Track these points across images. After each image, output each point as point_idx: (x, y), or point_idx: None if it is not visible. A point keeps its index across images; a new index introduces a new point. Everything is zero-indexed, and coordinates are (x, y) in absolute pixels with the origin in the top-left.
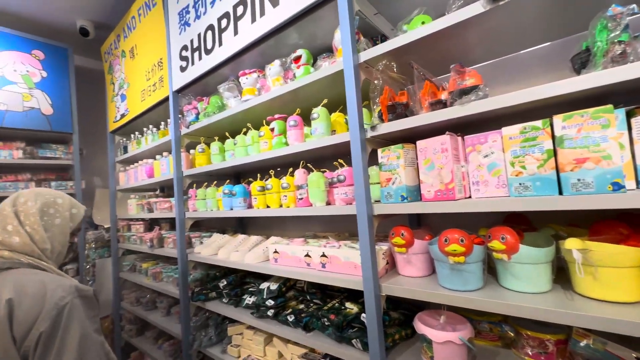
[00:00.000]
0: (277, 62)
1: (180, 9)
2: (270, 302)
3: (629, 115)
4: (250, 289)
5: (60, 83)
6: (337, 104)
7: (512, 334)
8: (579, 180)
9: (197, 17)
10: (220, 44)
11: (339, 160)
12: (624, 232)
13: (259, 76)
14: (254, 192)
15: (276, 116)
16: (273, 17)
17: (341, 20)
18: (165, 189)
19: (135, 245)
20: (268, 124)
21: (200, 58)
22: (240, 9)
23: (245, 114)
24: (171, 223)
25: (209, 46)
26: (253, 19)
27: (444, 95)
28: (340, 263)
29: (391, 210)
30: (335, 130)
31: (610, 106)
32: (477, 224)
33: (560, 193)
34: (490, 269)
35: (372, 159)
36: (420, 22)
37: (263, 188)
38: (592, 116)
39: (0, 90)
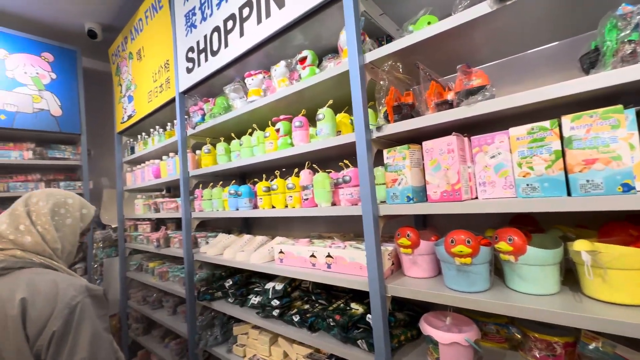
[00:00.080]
0: (282, 63)
1: (187, 11)
2: (275, 302)
3: None
4: (256, 289)
5: (68, 85)
6: (342, 105)
7: (519, 336)
8: (588, 181)
9: (204, 19)
10: (226, 45)
11: (345, 161)
12: (634, 233)
13: (264, 77)
14: (259, 192)
15: (282, 117)
16: (279, 19)
17: (347, 21)
18: (171, 189)
19: (142, 245)
20: (274, 124)
21: (206, 59)
22: (246, 11)
23: (251, 115)
24: (177, 223)
25: (215, 48)
26: (259, 21)
27: (450, 96)
28: (345, 263)
29: (397, 211)
30: (340, 131)
31: (620, 106)
32: (483, 225)
33: (569, 194)
34: (497, 271)
35: (378, 160)
36: (426, 23)
37: (268, 188)
38: (602, 116)
39: (11, 92)
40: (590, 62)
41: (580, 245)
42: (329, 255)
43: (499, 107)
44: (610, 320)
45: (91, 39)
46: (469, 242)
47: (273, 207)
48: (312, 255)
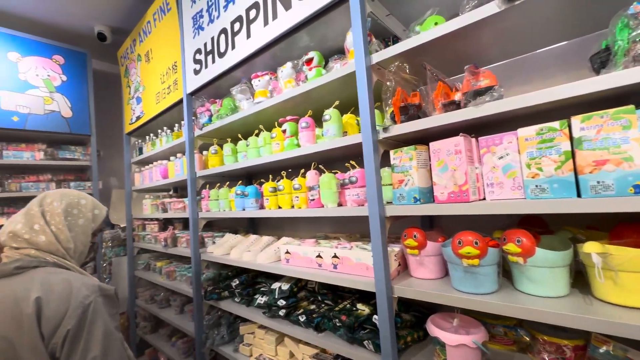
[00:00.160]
0: (289, 65)
1: (194, 13)
2: (281, 302)
3: None
4: (262, 289)
5: (79, 87)
6: (348, 106)
7: (528, 339)
8: (598, 182)
9: (211, 21)
10: (233, 47)
11: (351, 161)
12: None
13: (271, 78)
14: (265, 193)
15: (288, 118)
16: (285, 20)
17: (353, 22)
18: (178, 189)
19: (150, 245)
20: (280, 125)
21: (213, 61)
22: (253, 13)
23: (258, 116)
24: (184, 223)
25: (222, 49)
26: (265, 22)
27: (457, 96)
28: (352, 264)
29: (404, 212)
30: (346, 132)
31: (631, 107)
32: (491, 227)
33: (579, 195)
34: (505, 272)
35: (384, 161)
36: (433, 23)
37: (275, 189)
38: (613, 117)
39: (23, 94)
40: (601, 61)
41: (591, 247)
42: (335, 256)
43: (507, 107)
44: (622, 324)
45: (101, 41)
46: (476, 243)
47: (279, 207)
48: (319, 256)
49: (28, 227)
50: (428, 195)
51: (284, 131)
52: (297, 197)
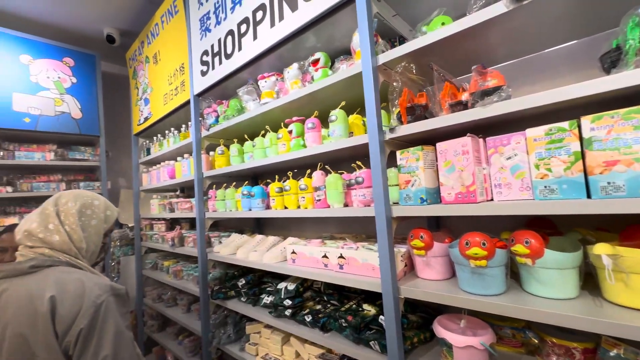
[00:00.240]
0: (295, 66)
1: (202, 15)
2: (287, 302)
3: None
4: (268, 289)
5: (88, 88)
6: (354, 106)
7: (536, 341)
8: (609, 183)
9: (218, 22)
10: (240, 48)
11: (357, 162)
12: None
13: (277, 79)
14: (272, 193)
15: (294, 118)
16: (292, 21)
17: (360, 23)
18: (185, 189)
19: (157, 244)
20: (286, 126)
21: (220, 62)
22: (259, 14)
23: (264, 117)
24: (191, 223)
25: (229, 51)
26: (272, 24)
27: (464, 97)
28: (358, 265)
29: (410, 213)
30: (353, 132)
31: None
32: (498, 228)
33: (589, 196)
34: (513, 274)
35: (390, 161)
36: (440, 23)
37: (281, 189)
38: (624, 117)
39: (35, 96)
40: (612, 61)
41: (601, 249)
42: (341, 256)
43: (515, 107)
44: (633, 326)
45: (110, 43)
46: (484, 244)
47: (285, 207)
48: (325, 256)
49: (43, 227)
50: (435, 195)
51: (290, 132)
52: (304, 197)
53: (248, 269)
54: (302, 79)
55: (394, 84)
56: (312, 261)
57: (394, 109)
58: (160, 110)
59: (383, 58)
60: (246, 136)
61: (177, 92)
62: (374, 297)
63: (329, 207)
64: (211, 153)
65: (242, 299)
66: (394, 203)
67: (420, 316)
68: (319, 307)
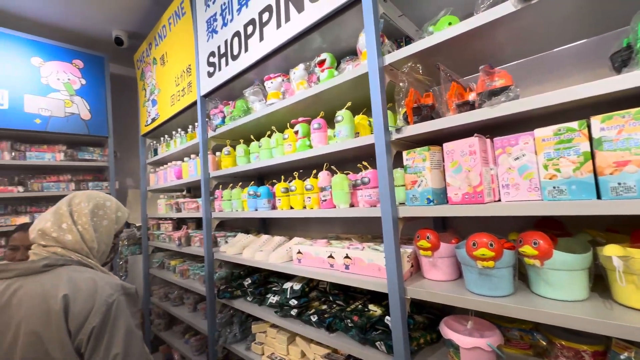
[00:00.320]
0: (301, 66)
1: (208, 17)
2: (293, 302)
3: None
4: (274, 289)
5: (97, 90)
6: (360, 106)
7: (545, 343)
8: (619, 184)
9: (224, 24)
10: (246, 49)
11: (363, 162)
12: None
13: (283, 80)
14: (278, 193)
15: (300, 119)
16: (298, 22)
17: (366, 23)
18: (192, 189)
19: (164, 243)
20: (292, 126)
21: (226, 64)
22: (265, 16)
23: (270, 117)
24: (197, 222)
25: (235, 52)
26: (278, 25)
27: (471, 97)
28: (364, 265)
29: (417, 213)
30: (359, 133)
31: None
32: (505, 229)
33: (599, 197)
34: (521, 275)
35: (397, 161)
36: (447, 23)
37: (287, 190)
38: (635, 117)
39: (45, 97)
40: (622, 60)
41: (612, 250)
42: (347, 257)
43: (524, 107)
44: None
45: (118, 46)
46: (491, 245)
47: (291, 208)
48: (330, 256)
49: (57, 226)
50: (441, 196)
51: (296, 132)
52: (309, 197)
53: (254, 268)
54: (308, 79)
55: (400, 84)
56: (318, 261)
57: (400, 109)
58: (167, 111)
59: (389, 58)
60: (252, 137)
61: (184, 93)
62: (379, 298)
63: (335, 207)
64: (217, 153)
65: (248, 298)
66: (400, 203)
67: (427, 317)
68: (324, 307)
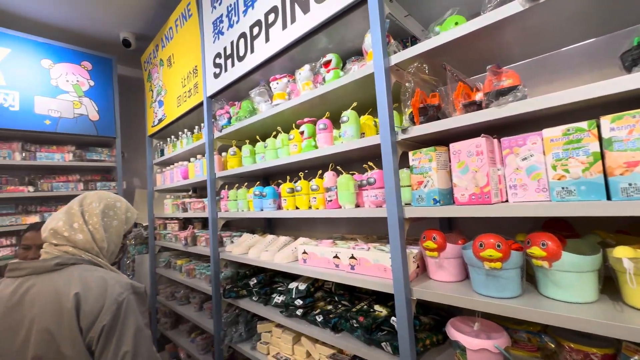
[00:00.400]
0: (306, 67)
1: (215, 18)
2: (298, 302)
3: None
4: (279, 288)
5: (105, 91)
6: (366, 107)
7: (553, 345)
8: (630, 184)
9: (230, 25)
10: (252, 50)
11: (369, 162)
12: None
13: (289, 81)
14: (283, 194)
15: (306, 119)
16: (304, 23)
17: (372, 24)
18: (198, 190)
19: (171, 243)
20: (298, 127)
21: (232, 65)
22: (271, 17)
23: (276, 118)
24: (204, 222)
25: (241, 53)
26: (284, 26)
27: (478, 97)
28: (369, 265)
29: (423, 214)
30: (364, 133)
31: None
32: (513, 230)
33: (609, 198)
34: (529, 277)
35: (403, 162)
36: (454, 23)
37: (292, 190)
38: None
39: (55, 99)
40: (633, 59)
41: (622, 252)
42: (352, 257)
43: (532, 107)
44: None
45: (125, 47)
46: (499, 246)
47: (297, 208)
48: (336, 257)
49: (68, 225)
50: (448, 196)
51: (302, 133)
52: (315, 197)
53: (259, 268)
54: (314, 80)
55: (406, 84)
56: (323, 261)
57: (406, 109)
58: (174, 112)
59: (395, 59)
60: (258, 137)
61: (190, 94)
62: (385, 298)
63: (340, 207)
64: (223, 154)
65: (253, 298)
66: (406, 204)
67: (433, 318)
68: (330, 307)
